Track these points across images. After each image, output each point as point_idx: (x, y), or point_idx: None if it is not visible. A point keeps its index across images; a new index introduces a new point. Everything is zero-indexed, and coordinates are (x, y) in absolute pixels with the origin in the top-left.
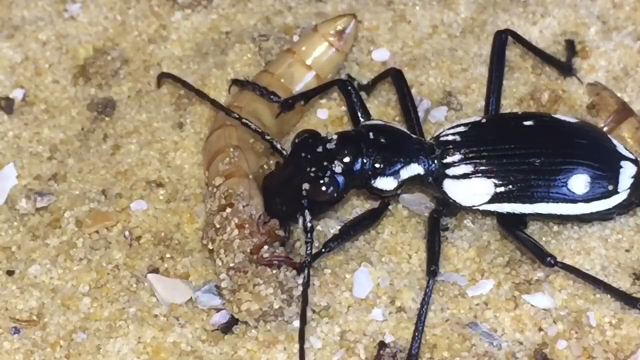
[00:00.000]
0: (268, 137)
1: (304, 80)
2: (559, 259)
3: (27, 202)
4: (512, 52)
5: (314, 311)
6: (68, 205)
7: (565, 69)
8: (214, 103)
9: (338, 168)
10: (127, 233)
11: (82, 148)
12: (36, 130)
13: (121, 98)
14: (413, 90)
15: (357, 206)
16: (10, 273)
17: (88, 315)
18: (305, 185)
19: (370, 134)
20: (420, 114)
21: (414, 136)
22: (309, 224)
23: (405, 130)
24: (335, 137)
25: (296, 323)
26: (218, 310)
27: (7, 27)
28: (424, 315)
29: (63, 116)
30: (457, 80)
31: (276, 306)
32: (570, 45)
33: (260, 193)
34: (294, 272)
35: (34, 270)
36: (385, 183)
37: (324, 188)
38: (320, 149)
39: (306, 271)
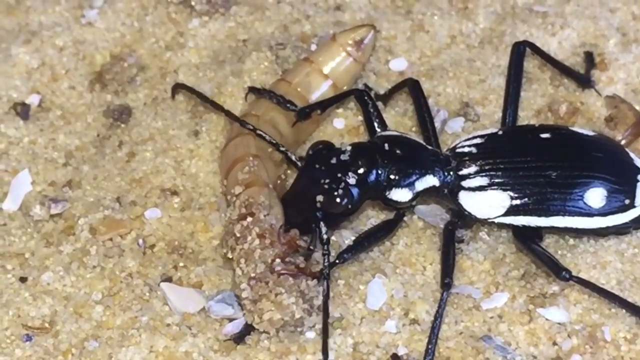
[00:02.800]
0: (283, 149)
1: (321, 90)
2: (574, 273)
3: (42, 209)
4: (531, 64)
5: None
6: (82, 212)
7: (584, 81)
8: (229, 114)
9: (352, 180)
10: (140, 241)
11: (97, 155)
12: (52, 136)
13: (137, 105)
14: (430, 101)
15: (372, 217)
16: (23, 280)
17: (100, 324)
18: (319, 197)
19: (386, 145)
20: (437, 124)
21: (429, 147)
22: (324, 236)
23: (421, 141)
24: (349, 148)
25: (308, 334)
26: (231, 320)
27: (24, 32)
28: (438, 328)
29: (79, 122)
30: (474, 91)
31: (297, 316)
32: (589, 57)
33: (280, 203)
34: (315, 281)
35: (47, 277)
36: (400, 194)
37: (338, 200)
38: (334, 161)
39: (325, 283)
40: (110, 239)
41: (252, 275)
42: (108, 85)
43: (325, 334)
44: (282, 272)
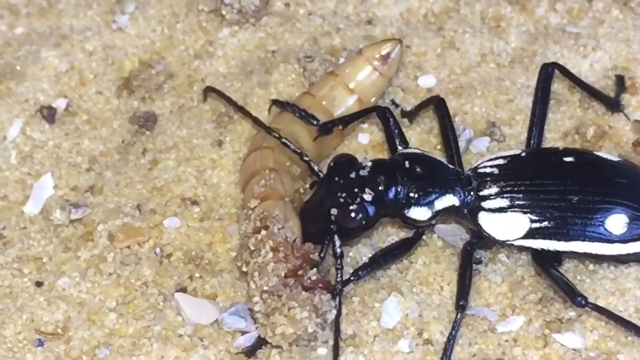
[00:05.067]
0: (306, 158)
1: (346, 104)
2: (593, 299)
3: (62, 213)
4: (560, 85)
5: (340, 339)
6: (102, 218)
7: (613, 105)
8: (256, 121)
9: (368, 196)
10: (158, 250)
11: (120, 161)
12: (76, 140)
13: (163, 112)
14: (457, 119)
15: (392, 234)
16: (39, 284)
17: (113, 331)
18: (334, 211)
19: (406, 162)
20: (462, 143)
21: (450, 167)
22: (338, 250)
23: (442, 160)
24: (369, 164)
25: (320, 350)
26: (243, 333)
27: (55, 35)
28: (450, 350)
29: (104, 128)
30: (502, 111)
31: (310, 330)
32: (620, 81)
33: (297, 216)
34: (329, 295)
35: (62, 282)
36: (419, 213)
37: (352, 215)
38: (353, 175)
39: (337, 299)
40: (128, 247)
41: (265, 288)
42: (135, 91)
43: (336, 351)
44: (313, 282)
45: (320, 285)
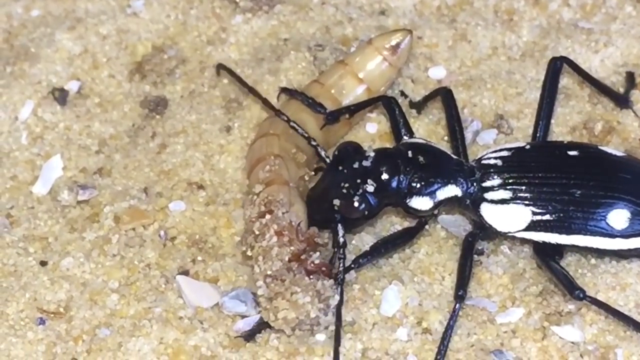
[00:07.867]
0: (314, 143)
1: (355, 93)
2: (593, 292)
3: (69, 194)
4: (570, 80)
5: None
6: (109, 200)
7: (622, 101)
8: (266, 103)
9: (371, 187)
10: (162, 233)
11: (130, 144)
12: (87, 123)
13: (174, 97)
14: (465, 111)
15: (396, 223)
16: (43, 263)
17: (114, 312)
18: (336, 201)
19: (409, 152)
20: (469, 135)
21: (454, 157)
22: (341, 239)
23: (446, 150)
24: (372, 154)
25: (319, 336)
26: (243, 317)
27: (70, 18)
28: (448, 339)
29: (115, 111)
30: (510, 104)
31: (313, 315)
32: (630, 77)
33: (302, 200)
34: (332, 281)
35: (66, 262)
36: (421, 203)
37: (355, 204)
38: (356, 165)
39: (339, 288)
40: (133, 229)
41: (269, 273)
42: (147, 75)
43: (337, 341)
44: (316, 267)
45: (323, 269)
